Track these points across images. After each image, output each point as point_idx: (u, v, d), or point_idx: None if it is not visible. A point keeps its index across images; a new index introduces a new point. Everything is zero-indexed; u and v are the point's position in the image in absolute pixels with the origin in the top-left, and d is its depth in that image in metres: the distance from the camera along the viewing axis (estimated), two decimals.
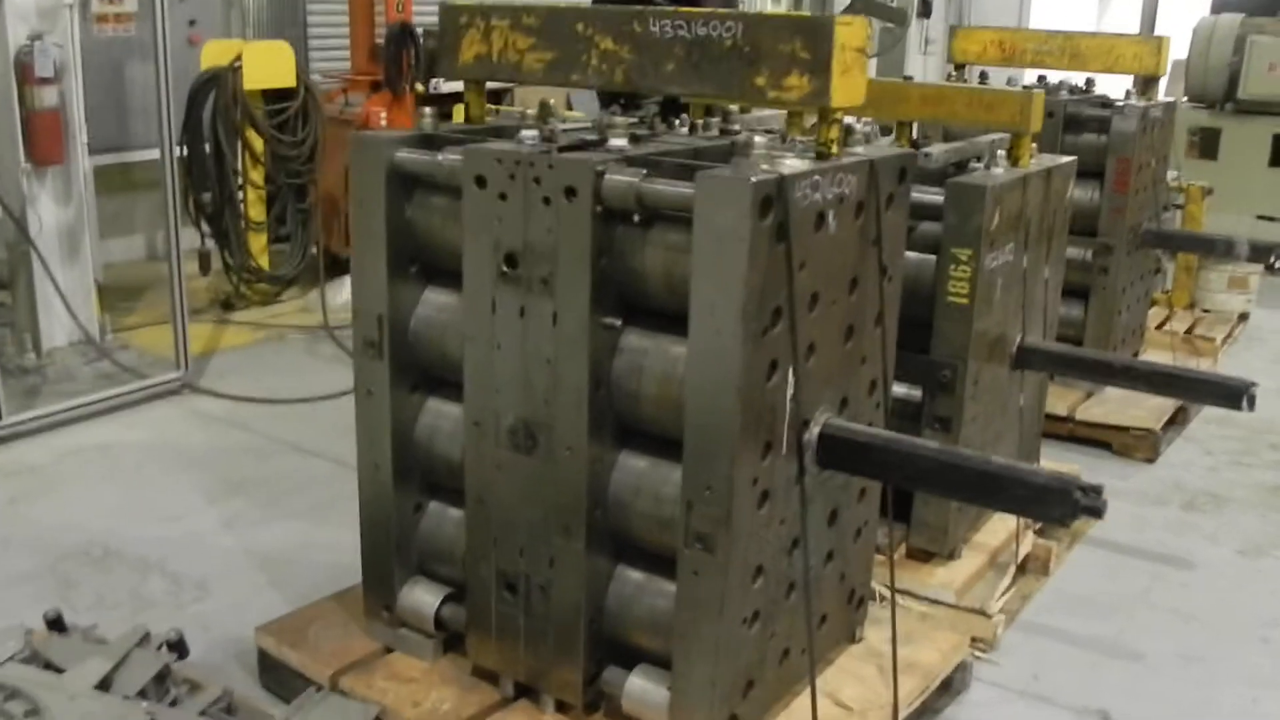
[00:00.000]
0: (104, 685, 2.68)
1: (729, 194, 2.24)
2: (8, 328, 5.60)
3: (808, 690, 2.84)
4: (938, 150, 3.45)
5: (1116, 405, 5.10)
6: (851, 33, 2.35)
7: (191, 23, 6.86)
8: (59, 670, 2.75)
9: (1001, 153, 3.59)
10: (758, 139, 2.39)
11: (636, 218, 2.42)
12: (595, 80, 2.63)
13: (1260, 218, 8.32)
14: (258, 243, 6.78)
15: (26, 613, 3.24)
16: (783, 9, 11.22)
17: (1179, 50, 6.83)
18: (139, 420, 5.16)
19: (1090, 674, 3.38)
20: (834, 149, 2.51)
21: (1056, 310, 4.10)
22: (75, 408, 5.05)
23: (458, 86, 7.67)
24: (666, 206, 2.38)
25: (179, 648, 2.89)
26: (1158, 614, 3.75)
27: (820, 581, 2.83)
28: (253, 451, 4.87)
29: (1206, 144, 8.55)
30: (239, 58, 6.34)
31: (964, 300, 3.38)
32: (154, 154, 6.86)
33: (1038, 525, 4.01)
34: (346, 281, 7.15)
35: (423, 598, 2.99)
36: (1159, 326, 6.28)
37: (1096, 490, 2.37)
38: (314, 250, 6.87)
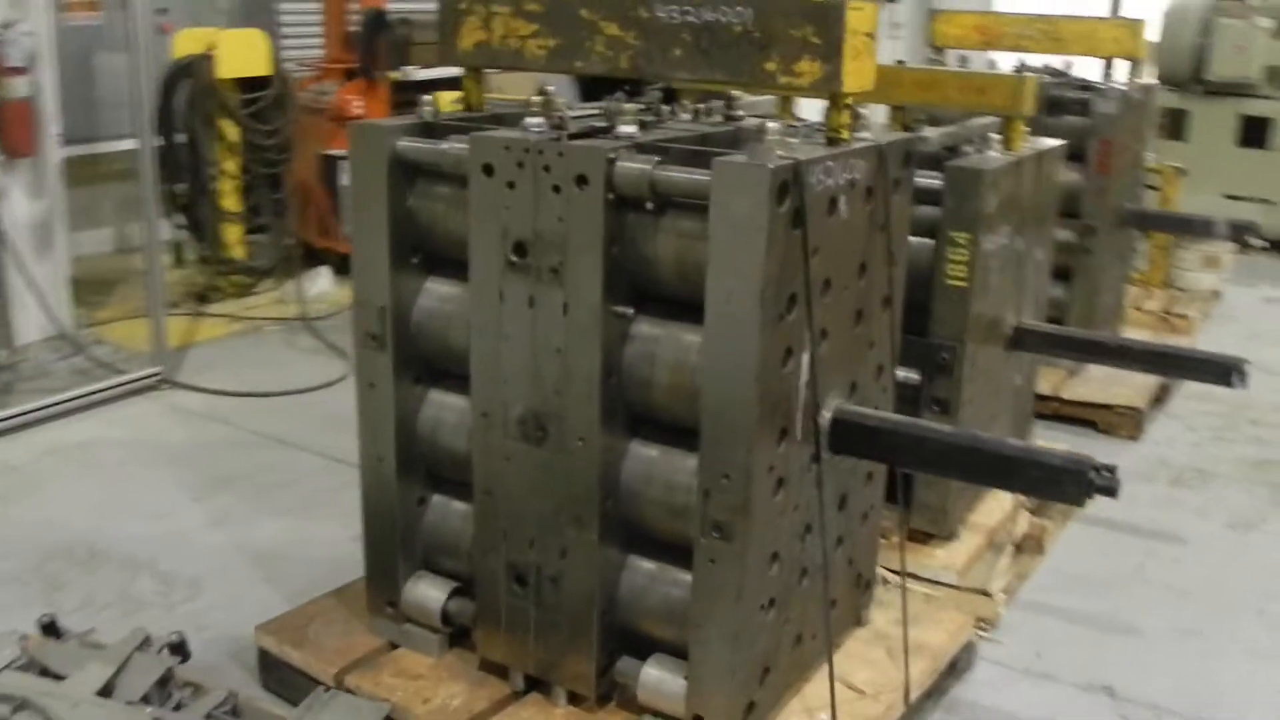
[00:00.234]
0: (106, 691, 2.63)
1: (747, 180, 2.22)
2: None
3: (819, 675, 2.86)
4: (934, 134, 3.46)
5: (1100, 384, 5.15)
6: (862, 17, 2.34)
7: (162, 11, 6.72)
8: (58, 677, 2.69)
9: (995, 136, 3.60)
10: (770, 124, 2.37)
11: (649, 205, 2.40)
12: (600, 67, 2.59)
13: (1228, 197, 8.44)
14: (233, 234, 6.67)
15: (14, 617, 3.18)
16: None
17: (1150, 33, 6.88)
18: (118, 416, 5.07)
19: (1091, 650, 3.42)
20: (845, 134, 2.50)
21: (1047, 291, 4.13)
22: (52, 405, 4.96)
23: (431, 74, 7.64)
24: (681, 194, 2.35)
25: (181, 650, 2.84)
26: (1153, 589, 3.80)
27: (831, 566, 2.83)
28: (236, 446, 4.80)
29: (1175, 125, 8.65)
30: (212, 46, 6.22)
31: (963, 283, 3.39)
32: (123, 145, 6.79)
33: (1033, 504, 4.05)
34: (323, 272, 7.07)
35: (428, 592, 2.96)
36: (1136, 306, 6.35)
37: (1110, 470, 2.38)
38: (290, 241, 6.77)
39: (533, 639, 2.76)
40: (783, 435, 2.45)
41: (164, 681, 2.71)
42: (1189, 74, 8.59)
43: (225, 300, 6.70)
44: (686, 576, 2.58)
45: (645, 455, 2.61)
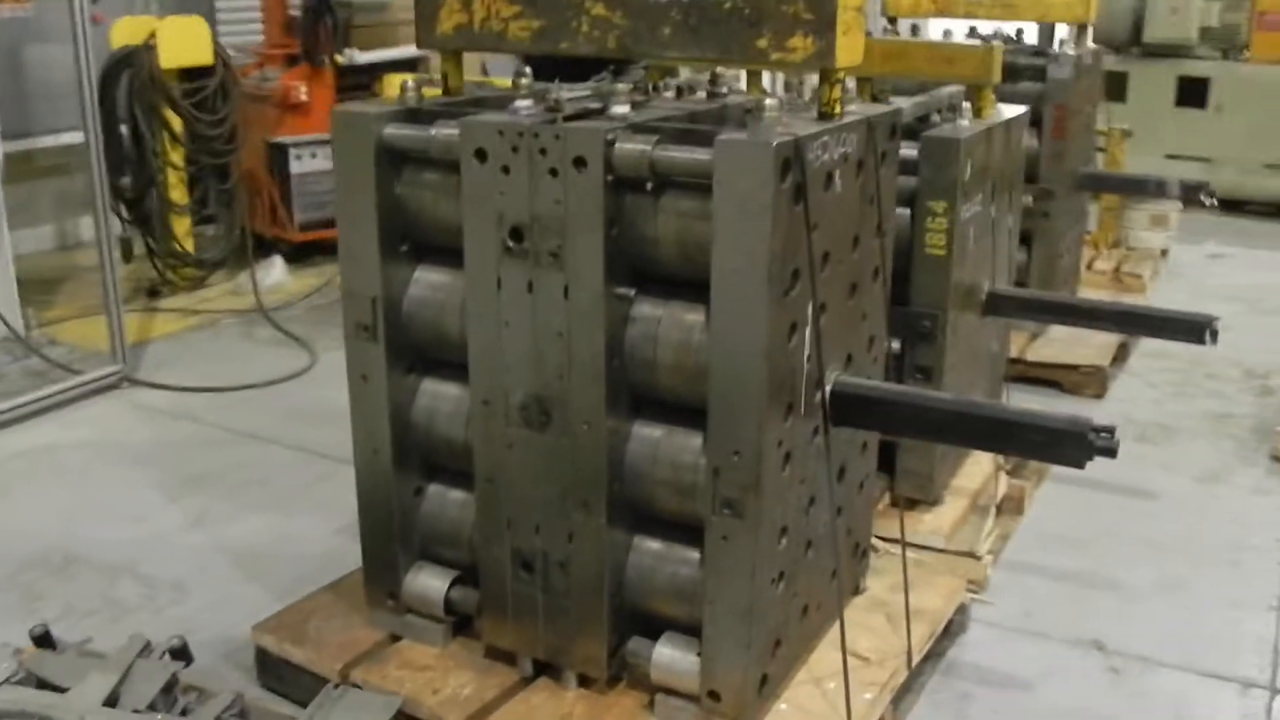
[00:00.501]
0: (112, 701, 2.57)
1: (750, 158, 2.22)
2: None
3: (823, 645, 2.90)
4: (907, 105, 3.48)
5: (1064, 345, 5.26)
6: None
7: (94, 0, 6.50)
8: (59, 689, 2.63)
9: (965, 105, 3.63)
10: (768, 100, 2.37)
11: (648, 186, 2.39)
12: (586, 48, 2.56)
13: (1168, 156, 8.63)
14: (181, 226, 6.52)
15: None
16: None
17: None
18: (79, 418, 4.95)
19: (1078, 607, 3.50)
20: (837, 109, 2.51)
21: (1015, 257, 4.20)
22: (9, 409, 4.81)
23: (374, 57, 7.47)
24: (682, 174, 2.35)
25: (183, 655, 2.79)
26: (1130, 545, 3.89)
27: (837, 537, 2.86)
28: (205, 443, 4.71)
29: (1115, 87, 8.80)
30: (153, 35, 6.04)
31: (941, 252, 3.43)
32: (60, 140, 6.59)
33: (1009, 466, 4.13)
34: (276, 262, 6.95)
35: (430, 582, 2.94)
36: (1088, 265, 6.48)
37: (1110, 431, 2.44)
38: (240, 231, 6.64)
39: (541, 624, 2.75)
40: (789, 410, 2.47)
41: (169, 688, 2.66)
42: (1127, 36, 8.75)
43: (177, 294, 6.56)
44: (694, 555, 2.59)
45: (650, 436, 2.61)
